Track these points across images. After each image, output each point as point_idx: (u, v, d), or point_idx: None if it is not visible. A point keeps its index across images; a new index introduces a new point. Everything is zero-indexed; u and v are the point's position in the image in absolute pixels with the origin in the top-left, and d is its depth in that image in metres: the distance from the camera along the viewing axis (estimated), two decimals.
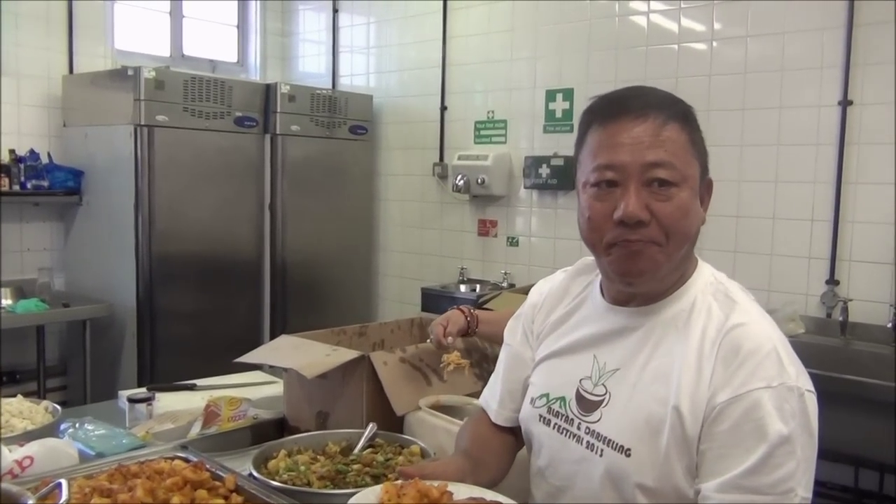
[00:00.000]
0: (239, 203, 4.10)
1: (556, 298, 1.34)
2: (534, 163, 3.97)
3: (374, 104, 4.70)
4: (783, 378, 1.02)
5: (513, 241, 4.19)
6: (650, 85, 1.19)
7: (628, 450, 1.10)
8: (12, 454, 1.52)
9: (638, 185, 1.08)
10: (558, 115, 3.94)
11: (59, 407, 1.89)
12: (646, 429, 1.08)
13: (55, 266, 4.13)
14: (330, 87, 4.87)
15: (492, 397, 1.41)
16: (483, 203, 4.29)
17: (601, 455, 1.13)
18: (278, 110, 4.14)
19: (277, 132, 4.16)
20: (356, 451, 1.53)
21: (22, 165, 3.84)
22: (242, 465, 1.48)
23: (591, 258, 1.26)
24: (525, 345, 1.37)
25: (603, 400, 1.16)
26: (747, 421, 1.01)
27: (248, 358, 1.81)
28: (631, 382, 1.13)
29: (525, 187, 4.09)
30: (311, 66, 5.11)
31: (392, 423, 1.65)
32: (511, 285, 4.08)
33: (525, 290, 3.58)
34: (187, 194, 3.86)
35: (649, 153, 1.08)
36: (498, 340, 1.76)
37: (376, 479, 1.39)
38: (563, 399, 1.22)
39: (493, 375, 1.45)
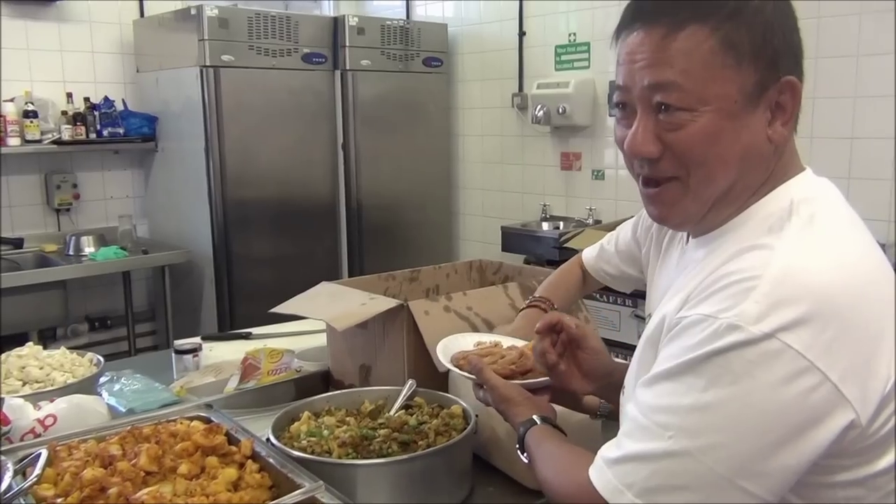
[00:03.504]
0: (311, 144, 3.98)
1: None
2: None
3: (448, 34, 4.44)
4: (730, 314, 0.78)
5: (598, 175, 3.90)
6: None
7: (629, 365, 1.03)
8: (38, 412, 1.46)
9: (646, 112, 0.89)
10: None
11: (102, 359, 1.83)
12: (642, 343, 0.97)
13: (137, 213, 4.16)
14: (404, 17, 4.63)
15: (593, 248, 1.57)
16: (565, 134, 4.00)
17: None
18: (347, 44, 3.95)
19: (347, 68, 3.98)
20: (391, 412, 1.37)
21: (97, 113, 3.84)
22: None
23: None
24: (638, 244, 1.37)
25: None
26: (670, 343, 0.85)
27: (283, 308, 1.68)
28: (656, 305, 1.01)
29: (611, 115, 3.77)
30: None
31: (438, 379, 1.48)
32: (597, 221, 3.81)
33: (611, 227, 3.24)
34: (258, 137, 3.76)
35: (650, 73, 0.87)
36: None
37: (405, 447, 1.24)
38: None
39: (604, 238, 1.55)
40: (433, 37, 4.36)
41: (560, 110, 3.77)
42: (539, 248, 3.63)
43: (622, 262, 1.50)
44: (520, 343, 1.37)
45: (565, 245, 3.30)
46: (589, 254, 1.60)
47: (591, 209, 3.87)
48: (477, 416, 1.33)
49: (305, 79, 3.89)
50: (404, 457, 1.19)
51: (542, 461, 1.03)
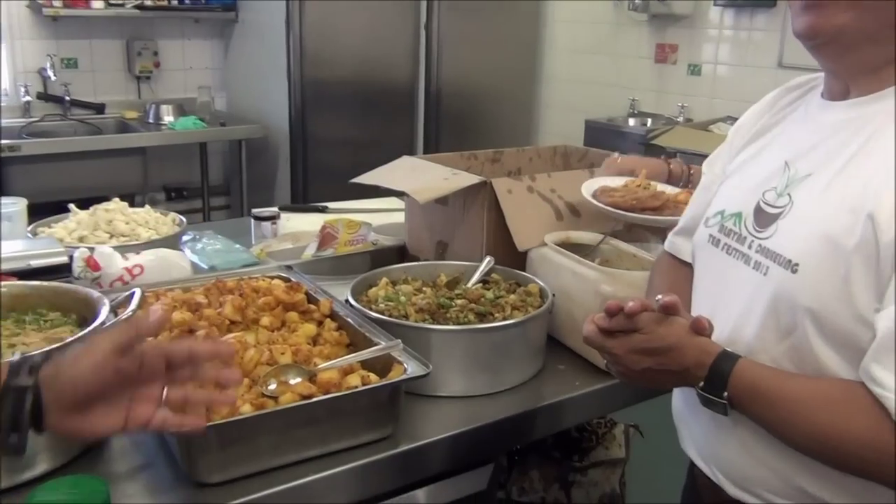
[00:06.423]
0: (393, 23, 3.87)
1: (759, 113, 1.09)
2: None
3: None
4: None
5: (694, 70, 3.70)
6: None
7: (795, 265, 0.86)
8: (126, 262, 1.50)
9: None
10: None
11: (184, 219, 1.86)
12: (823, 241, 0.84)
13: (216, 85, 4.17)
14: None
15: (675, 233, 1.20)
16: (663, 24, 3.78)
17: (766, 274, 0.90)
18: None
19: None
20: (469, 284, 1.36)
21: None
22: None
23: (805, 76, 1.03)
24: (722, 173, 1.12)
25: (782, 211, 0.91)
26: None
27: (364, 179, 1.66)
28: (820, 188, 0.88)
29: (716, 4, 3.53)
30: None
31: (514, 259, 1.46)
32: (688, 120, 3.64)
33: (703, 126, 3.09)
34: (339, 12, 3.67)
35: None
36: None
37: (481, 318, 1.23)
38: (738, 215, 0.98)
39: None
40: None
41: None
42: (624, 144, 3.50)
43: None
44: (669, 190, 1.42)
45: (652, 142, 3.19)
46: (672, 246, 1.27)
47: (682, 106, 3.68)
48: (554, 295, 1.30)
49: None
50: (481, 326, 1.19)
51: (795, 405, 0.85)
